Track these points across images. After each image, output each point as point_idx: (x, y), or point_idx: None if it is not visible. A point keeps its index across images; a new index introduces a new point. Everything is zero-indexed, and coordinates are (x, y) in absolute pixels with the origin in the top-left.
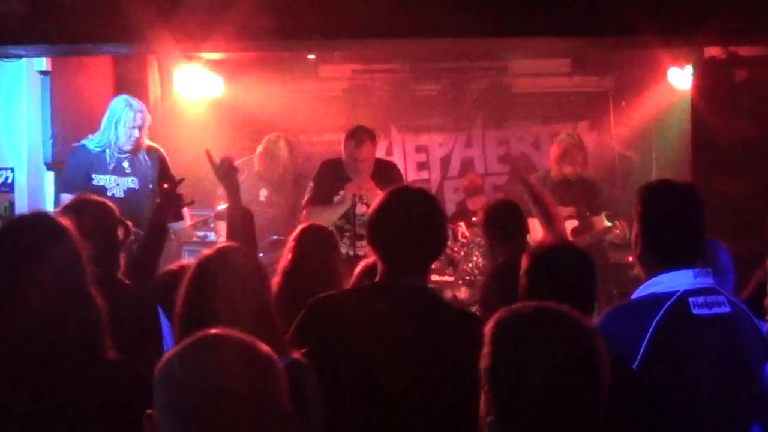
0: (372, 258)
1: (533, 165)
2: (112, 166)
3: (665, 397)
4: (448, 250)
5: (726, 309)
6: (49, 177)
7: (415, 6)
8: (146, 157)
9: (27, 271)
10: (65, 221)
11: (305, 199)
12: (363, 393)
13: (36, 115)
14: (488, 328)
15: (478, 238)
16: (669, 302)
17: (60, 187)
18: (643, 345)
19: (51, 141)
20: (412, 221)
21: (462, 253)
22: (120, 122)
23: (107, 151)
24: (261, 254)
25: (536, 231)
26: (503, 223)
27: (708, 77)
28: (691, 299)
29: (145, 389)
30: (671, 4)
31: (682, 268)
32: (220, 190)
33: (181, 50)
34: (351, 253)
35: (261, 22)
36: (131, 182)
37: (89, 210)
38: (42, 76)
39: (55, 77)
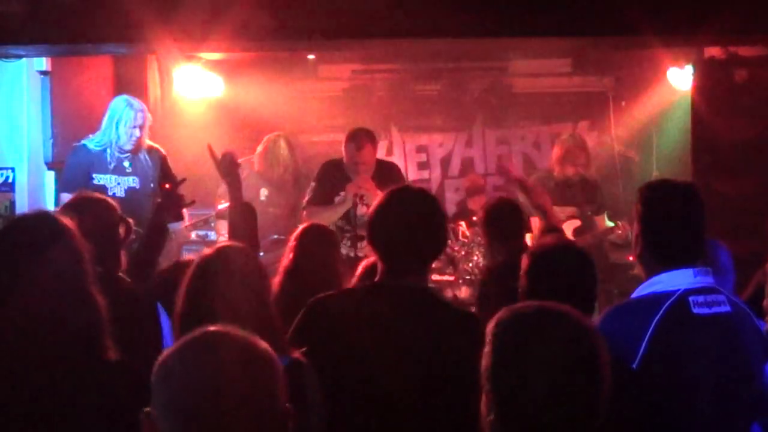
0: (373, 258)
1: (533, 165)
2: (112, 165)
3: (665, 396)
4: (448, 250)
5: (726, 308)
6: (50, 177)
7: (415, 6)
8: (147, 156)
9: (27, 271)
10: (67, 221)
11: (306, 199)
12: (363, 393)
13: (36, 115)
14: (489, 327)
15: (479, 238)
16: (669, 301)
17: (60, 186)
18: (643, 344)
19: (51, 141)
20: (411, 221)
21: (462, 253)
22: (121, 122)
23: (108, 150)
24: (261, 253)
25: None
26: (503, 222)
27: (708, 77)
28: (691, 298)
29: (145, 390)
30: (671, 4)
31: (682, 268)
32: (221, 190)
33: (181, 50)
34: (351, 254)
35: (261, 22)
36: (132, 182)
37: (90, 208)
38: (42, 76)
39: (55, 77)
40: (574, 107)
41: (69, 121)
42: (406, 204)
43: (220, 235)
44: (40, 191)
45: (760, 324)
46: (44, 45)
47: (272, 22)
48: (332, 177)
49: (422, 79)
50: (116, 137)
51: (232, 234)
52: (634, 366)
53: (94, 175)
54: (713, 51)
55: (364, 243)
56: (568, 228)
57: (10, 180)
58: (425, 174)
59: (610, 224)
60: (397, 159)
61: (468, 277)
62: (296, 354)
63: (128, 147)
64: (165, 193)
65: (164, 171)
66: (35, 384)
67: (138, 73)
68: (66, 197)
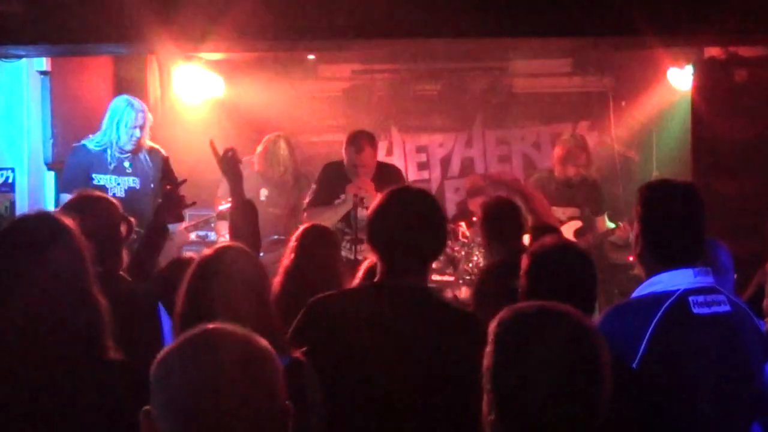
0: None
1: (533, 165)
2: (113, 165)
3: (665, 396)
4: (448, 250)
5: (726, 308)
6: (50, 177)
7: (415, 6)
8: (147, 157)
9: (27, 271)
10: (68, 220)
11: (307, 201)
12: (362, 393)
13: (36, 115)
14: (491, 327)
15: (479, 238)
16: (669, 301)
17: (60, 187)
18: (643, 344)
19: (51, 141)
20: (411, 221)
21: (462, 253)
22: (122, 122)
23: (108, 150)
24: (262, 254)
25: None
26: (502, 222)
27: (708, 77)
28: (691, 298)
29: (146, 390)
30: (671, 4)
31: (682, 267)
32: (221, 190)
33: (181, 50)
34: (351, 257)
35: (261, 21)
36: (132, 182)
37: (92, 207)
38: (42, 76)
39: (55, 77)
40: (574, 107)
41: (69, 121)
42: (405, 204)
43: (220, 235)
44: (40, 192)
45: (760, 324)
46: (44, 45)
47: (272, 22)
48: (333, 179)
49: (422, 79)
50: (117, 137)
51: (234, 233)
52: (634, 366)
53: (94, 176)
54: (713, 51)
55: (364, 246)
56: (570, 229)
57: (10, 180)
58: (425, 174)
59: (611, 225)
60: (397, 159)
61: (468, 277)
62: (296, 354)
63: (129, 147)
64: (166, 194)
65: (166, 172)
66: (35, 384)
67: (138, 73)
68: (66, 197)
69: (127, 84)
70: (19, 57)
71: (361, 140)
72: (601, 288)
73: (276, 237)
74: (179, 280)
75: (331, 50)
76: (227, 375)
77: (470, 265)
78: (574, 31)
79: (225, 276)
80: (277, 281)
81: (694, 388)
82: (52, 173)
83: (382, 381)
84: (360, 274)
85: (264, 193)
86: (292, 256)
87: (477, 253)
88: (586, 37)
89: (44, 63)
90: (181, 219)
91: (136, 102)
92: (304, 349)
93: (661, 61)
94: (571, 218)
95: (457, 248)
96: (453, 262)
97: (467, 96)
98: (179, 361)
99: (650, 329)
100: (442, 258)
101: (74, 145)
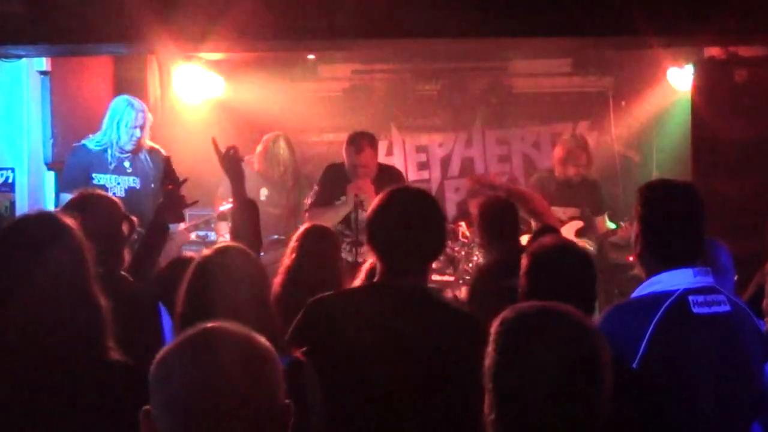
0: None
1: (533, 165)
2: (113, 165)
3: (665, 395)
4: (448, 250)
5: (726, 308)
6: (50, 177)
7: (415, 6)
8: (147, 157)
9: (27, 271)
10: (68, 220)
11: (309, 202)
12: (362, 393)
13: (36, 115)
14: (492, 327)
15: (479, 238)
16: (669, 301)
17: (60, 187)
18: (643, 344)
19: (51, 141)
20: (410, 221)
21: (462, 253)
22: (122, 122)
23: (108, 150)
24: (262, 254)
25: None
26: (500, 222)
27: (708, 77)
28: (691, 298)
29: (146, 390)
30: (671, 4)
31: (682, 267)
32: (221, 190)
33: (181, 50)
34: (351, 259)
35: (261, 21)
36: (132, 182)
37: (93, 206)
38: (42, 76)
39: (55, 77)
40: (574, 107)
41: (69, 121)
42: (405, 204)
43: (221, 235)
44: (40, 192)
45: (760, 324)
46: (44, 45)
47: (272, 21)
48: (335, 180)
49: (422, 79)
50: (117, 137)
51: (235, 232)
52: (634, 366)
53: (94, 175)
54: (713, 51)
55: (364, 248)
56: (570, 229)
57: (10, 180)
58: (425, 174)
59: (611, 225)
60: (397, 159)
61: (468, 278)
62: (296, 354)
63: (129, 147)
64: (167, 193)
65: (168, 172)
66: (35, 384)
67: (138, 73)
68: (66, 197)
69: (127, 84)
70: (19, 57)
71: (361, 141)
72: (601, 288)
73: (276, 237)
74: (179, 280)
75: (331, 50)
76: (227, 374)
77: (470, 265)
78: (574, 31)
79: (225, 276)
80: (277, 281)
81: (694, 388)
82: (52, 173)
83: (381, 381)
84: (362, 276)
85: (264, 192)
86: (293, 256)
87: (477, 253)
88: (586, 37)
89: (44, 63)
90: (181, 219)
91: (137, 102)
92: (303, 349)
93: (661, 61)
94: (572, 218)
95: (457, 248)
96: (453, 262)
97: (467, 96)
98: (179, 361)
99: (650, 329)
100: (442, 258)
101: (74, 144)
